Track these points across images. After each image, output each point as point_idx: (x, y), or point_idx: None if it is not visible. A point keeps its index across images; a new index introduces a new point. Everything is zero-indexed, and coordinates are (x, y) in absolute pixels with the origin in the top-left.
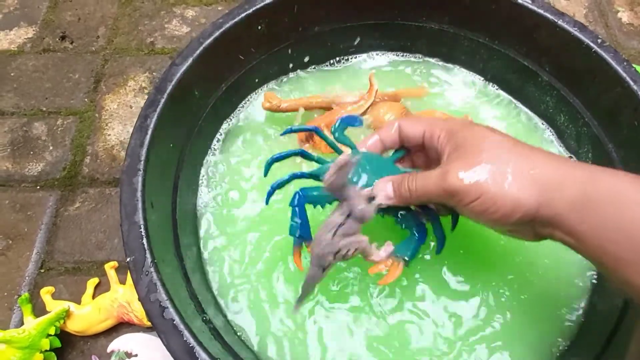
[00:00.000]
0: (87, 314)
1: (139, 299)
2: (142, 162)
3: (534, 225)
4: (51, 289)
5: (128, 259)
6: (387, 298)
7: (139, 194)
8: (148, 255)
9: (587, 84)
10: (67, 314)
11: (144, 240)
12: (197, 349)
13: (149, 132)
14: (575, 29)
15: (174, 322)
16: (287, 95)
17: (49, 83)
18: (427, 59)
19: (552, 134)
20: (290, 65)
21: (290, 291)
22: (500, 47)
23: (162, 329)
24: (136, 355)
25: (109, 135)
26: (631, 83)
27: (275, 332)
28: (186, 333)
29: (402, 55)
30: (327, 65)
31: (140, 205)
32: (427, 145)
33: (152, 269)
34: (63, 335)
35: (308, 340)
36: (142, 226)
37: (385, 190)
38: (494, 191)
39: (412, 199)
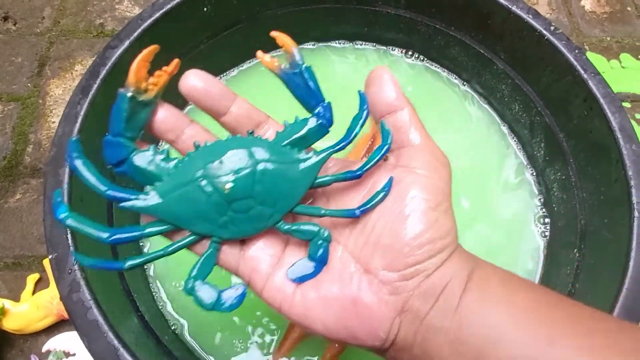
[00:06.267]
0: (25, 312)
1: (60, 299)
2: None
3: None
4: None
5: (50, 256)
6: None
7: (65, 186)
8: (72, 252)
9: (540, 73)
10: (2, 312)
11: (69, 236)
12: (122, 351)
13: (79, 120)
14: (529, 15)
15: (98, 323)
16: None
17: None
18: (381, 46)
19: (505, 126)
20: (243, 53)
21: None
22: (457, 34)
23: (84, 331)
24: (74, 354)
25: (54, 122)
26: (581, 72)
27: (214, 325)
28: (110, 335)
29: (359, 44)
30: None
31: (65, 199)
32: None
33: (76, 267)
34: (0, 333)
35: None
36: None
37: None
38: None
39: None
